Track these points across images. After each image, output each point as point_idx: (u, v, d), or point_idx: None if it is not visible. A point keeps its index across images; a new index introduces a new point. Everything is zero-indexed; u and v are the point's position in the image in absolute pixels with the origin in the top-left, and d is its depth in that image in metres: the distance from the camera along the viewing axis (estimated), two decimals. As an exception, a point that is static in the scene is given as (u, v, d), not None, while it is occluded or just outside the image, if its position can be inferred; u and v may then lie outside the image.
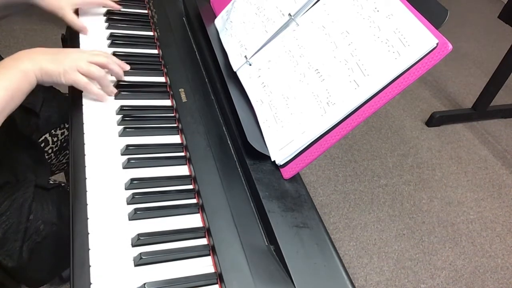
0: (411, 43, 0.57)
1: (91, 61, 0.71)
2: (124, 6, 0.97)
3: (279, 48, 0.71)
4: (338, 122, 0.62)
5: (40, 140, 0.94)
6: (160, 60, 0.85)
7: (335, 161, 1.92)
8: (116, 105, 0.73)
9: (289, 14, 0.71)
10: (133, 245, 0.55)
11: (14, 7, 0.85)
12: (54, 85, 0.68)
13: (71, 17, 0.83)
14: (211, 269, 0.55)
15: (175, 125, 0.74)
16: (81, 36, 0.85)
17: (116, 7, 0.92)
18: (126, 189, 0.61)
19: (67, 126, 0.98)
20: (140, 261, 0.53)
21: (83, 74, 0.69)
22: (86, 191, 0.59)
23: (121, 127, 0.69)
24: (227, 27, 0.82)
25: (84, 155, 0.64)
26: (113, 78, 0.76)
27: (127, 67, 0.77)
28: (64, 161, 1.01)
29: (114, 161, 0.64)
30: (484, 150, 2.17)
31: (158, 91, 0.79)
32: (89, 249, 0.53)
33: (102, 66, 0.72)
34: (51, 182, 0.85)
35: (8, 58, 0.64)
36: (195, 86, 0.79)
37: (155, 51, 0.88)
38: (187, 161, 0.68)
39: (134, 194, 0.60)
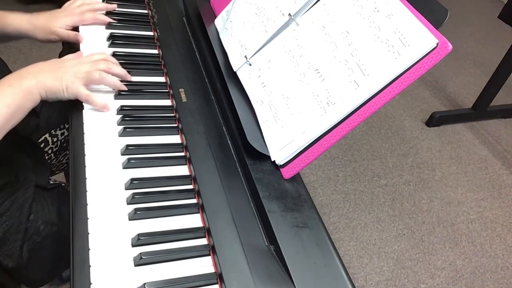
0: (411, 43, 0.57)
1: (92, 70, 0.71)
2: (124, 6, 0.97)
3: (279, 48, 0.71)
4: (338, 122, 0.62)
5: (40, 140, 0.94)
6: (160, 60, 0.85)
7: (335, 161, 1.92)
8: (116, 105, 0.73)
9: (289, 14, 0.71)
10: (133, 245, 0.55)
11: (6, 37, 0.86)
12: (58, 100, 0.69)
13: (66, 35, 0.84)
14: (211, 269, 0.55)
15: (175, 125, 0.74)
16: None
17: (108, 20, 0.90)
18: (126, 189, 0.61)
19: (67, 126, 0.98)
20: (140, 261, 0.53)
21: (86, 84, 0.70)
22: (86, 191, 0.59)
23: (121, 127, 0.69)
24: (227, 27, 0.82)
25: (84, 155, 0.64)
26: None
27: (130, 78, 0.77)
28: (64, 161, 1.01)
29: (114, 161, 0.64)
30: (484, 150, 2.17)
31: (158, 91, 0.79)
32: (89, 249, 0.53)
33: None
34: (51, 182, 0.85)
35: (10, 75, 0.65)
36: (195, 86, 0.79)
37: (155, 51, 0.88)
38: (187, 161, 0.68)
39: (134, 194, 0.60)
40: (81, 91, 0.69)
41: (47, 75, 0.67)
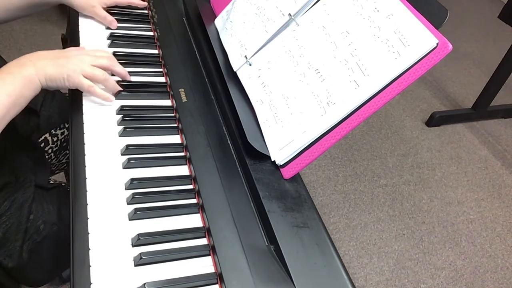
0: (411, 43, 0.57)
1: (94, 64, 0.71)
2: (124, 6, 0.97)
3: (279, 48, 0.71)
4: (338, 122, 0.62)
5: (40, 140, 0.94)
6: (160, 60, 0.85)
7: (335, 161, 1.92)
8: (116, 105, 0.73)
9: (289, 14, 0.71)
10: (133, 245, 0.55)
11: (39, 7, 0.87)
12: (58, 88, 0.68)
13: (103, 14, 0.87)
14: (211, 269, 0.55)
15: (175, 125, 0.74)
16: (81, 36, 0.85)
17: (142, 3, 0.94)
18: (126, 189, 0.61)
19: (67, 126, 0.98)
20: (140, 261, 0.53)
21: (86, 77, 0.69)
22: (86, 191, 0.59)
23: (121, 127, 0.69)
24: (227, 27, 0.82)
25: (84, 155, 0.64)
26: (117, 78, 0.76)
27: (129, 78, 0.77)
28: (64, 161, 1.01)
29: (114, 161, 0.64)
30: (484, 150, 2.17)
31: (158, 91, 0.79)
32: (89, 249, 0.53)
33: (105, 69, 0.72)
34: (51, 182, 0.85)
35: (11, 63, 0.64)
36: (195, 86, 0.79)
37: (155, 51, 0.88)
38: (187, 161, 0.68)
39: (134, 194, 0.60)
40: (83, 81, 0.68)
41: (47, 62, 0.66)
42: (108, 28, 0.89)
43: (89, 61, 0.70)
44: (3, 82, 0.61)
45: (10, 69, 0.63)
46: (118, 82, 0.75)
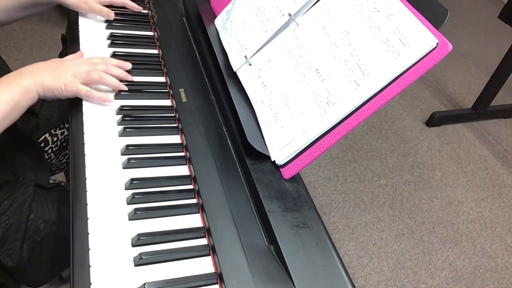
0: (411, 43, 0.57)
1: (91, 70, 0.71)
2: (118, 6, 0.96)
3: (279, 48, 0.71)
4: (338, 122, 0.62)
5: (40, 140, 0.94)
6: (160, 60, 0.85)
7: (335, 161, 1.92)
8: (116, 105, 0.73)
9: (289, 14, 0.71)
10: (133, 245, 0.55)
11: (38, 7, 0.87)
12: (56, 98, 0.70)
13: (98, 8, 0.87)
14: (211, 269, 0.55)
15: (175, 125, 0.74)
16: (81, 36, 0.85)
17: (137, 8, 0.94)
18: (126, 189, 0.61)
19: (67, 126, 0.98)
20: (140, 261, 0.53)
21: (84, 83, 0.70)
22: (86, 191, 0.59)
23: (121, 127, 0.69)
24: (227, 27, 0.82)
25: (84, 155, 0.64)
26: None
27: (129, 66, 0.77)
28: (64, 161, 1.01)
29: (114, 161, 0.64)
30: (484, 150, 2.17)
31: (158, 91, 0.79)
32: (89, 249, 0.53)
33: None
34: (51, 181, 0.85)
35: (10, 74, 0.66)
36: (195, 86, 0.79)
37: (155, 51, 0.88)
38: (187, 161, 0.68)
39: (134, 194, 0.60)
40: (81, 88, 0.70)
41: (45, 73, 0.67)
42: (108, 28, 0.89)
43: (86, 68, 0.71)
44: (2, 91, 0.62)
45: (9, 79, 0.65)
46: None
